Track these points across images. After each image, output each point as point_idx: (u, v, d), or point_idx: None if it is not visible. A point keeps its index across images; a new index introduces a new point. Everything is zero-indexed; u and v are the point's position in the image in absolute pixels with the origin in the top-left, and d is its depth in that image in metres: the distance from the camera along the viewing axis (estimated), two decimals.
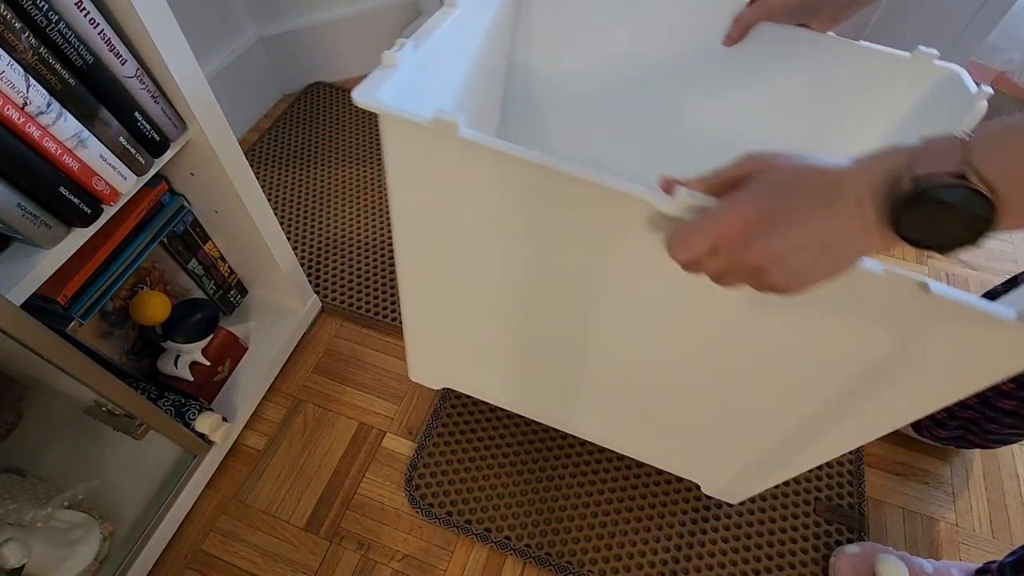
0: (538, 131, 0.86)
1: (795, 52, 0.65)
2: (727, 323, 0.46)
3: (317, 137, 1.19)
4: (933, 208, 0.27)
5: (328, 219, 1.06)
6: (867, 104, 0.66)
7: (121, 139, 0.50)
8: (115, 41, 0.46)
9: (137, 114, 0.51)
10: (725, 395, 0.55)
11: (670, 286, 0.45)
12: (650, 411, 0.63)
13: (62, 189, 0.46)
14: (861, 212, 0.30)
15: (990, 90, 0.54)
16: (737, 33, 0.63)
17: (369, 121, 1.22)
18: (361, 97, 0.39)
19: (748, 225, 0.32)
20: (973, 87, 0.55)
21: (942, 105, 0.60)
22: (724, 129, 0.75)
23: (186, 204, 0.69)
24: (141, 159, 0.53)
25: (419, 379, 0.80)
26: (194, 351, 0.74)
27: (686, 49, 0.70)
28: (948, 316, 0.37)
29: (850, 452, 0.80)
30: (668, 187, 0.37)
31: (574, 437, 0.81)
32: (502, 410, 0.83)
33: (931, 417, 0.76)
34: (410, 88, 0.46)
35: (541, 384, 0.68)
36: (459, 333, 0.65)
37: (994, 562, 0.63)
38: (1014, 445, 0.82)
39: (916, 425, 0.79)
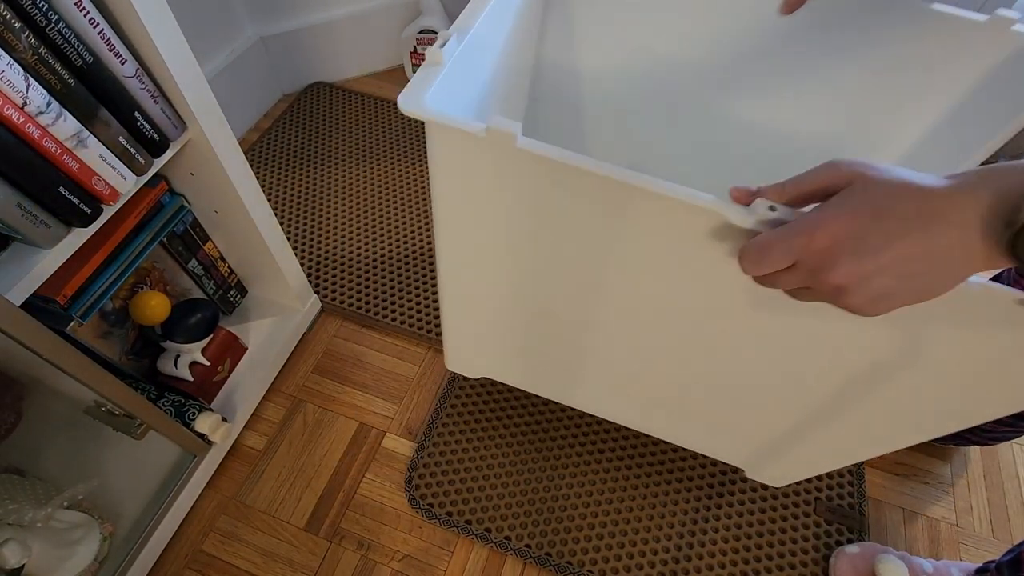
0: (571, 132, 0.83)
1: (844, 27, 0.58)
2: (776, 330, 0.45)
3: (317, 137, 1.19)
4: None
5: (328, 219, 1.06)
6: (928, 79, 0.59)
7: (121, 139, 0.50)
8: (115, 41, 0.46)
9: (137, 114, 0.51)
10: (775, 392, 0.54)
11: (735, 296, 0.44)
12: (687, 402, 0.62)
13: (62, 189, 0.46)
14: (965, 236, 0.28)
15: None
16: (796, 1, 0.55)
17: (368, 121, 1.22)
18: (408, 104, 0.37)
19: (837, 243, 0.30)
20: None
21: (1018, 80, 0.54)
22: (767, 123, 0.71)
23: (186, 204, 0.69)
24: (141, 159, 0.53)
25: (456, 368, 0.78)
26: (194, 351, 0.74)
27: (725, 45, 0.66)
28: None
29: None
30: (742, 197, 0.35)
31: (574, 437, 0.81)
32: (502, 409, 0.83)
33: None
34: (455, 84, 0.44)
35: (580, 375, 0.67)
36: (499, 328, 0.63)
37: (992, 561, 0.63)
38: (1015, 446, 0.82)
39: None
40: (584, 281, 0.49)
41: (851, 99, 0.65)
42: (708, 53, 0.67)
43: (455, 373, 0.86)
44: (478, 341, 0.70)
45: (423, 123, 0.40)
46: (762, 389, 0.55)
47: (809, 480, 0.78)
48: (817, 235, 0.30)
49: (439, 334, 0.90)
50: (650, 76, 0.71)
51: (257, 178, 0.74)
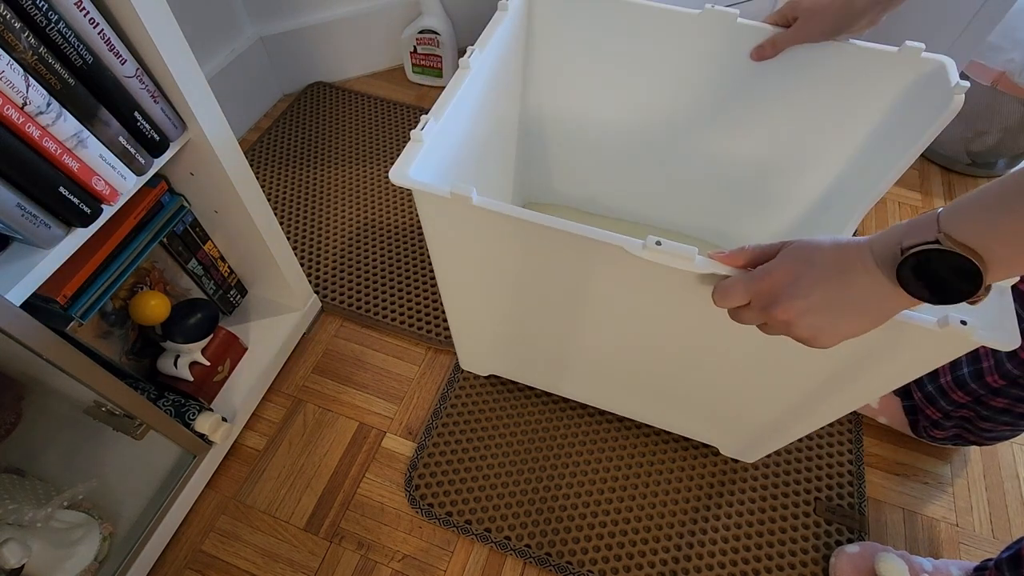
0: (557, 166, 0.95)
1: (789, 66, 0.68)
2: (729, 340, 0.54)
3: (317, 137, 1.19)
4: (926, 270, 0.33)
5: (328, 219, 1.06)
6: (855, 103, 0.69)
7: (121, 139, 0.50)
8: (115, 41, 0.46)
9: (137, 114, 0.51)
10: (743, 380, 0.61)
11: (682, 312, 0.53)
12: (661, 390, 0.70)
13: (62, 189, 0.46)
14: (876, 280, 0.35)
15: (967, 84, 0.56)
16: (769, 52, 0.66)
17: (368, 121, 1.22)
18: (396, 177, 0.48)
19: (778, 286, 0.39)
20: (954, 79, 0.57)
21: (925, 99, 0.62)
22: (720, 153, 0.83)
23: (186, 204, 0.69)
24: (141, 159, 0.53)
25: (468, 367, 0.86)
26: (194, 351, 0.74)
27: (692, 90, 0.75)
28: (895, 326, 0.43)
29: (850, 452, 0.80)
30: (715, 256, 0.44)
31: (574, 437, 0.81)
32: (502, 409, 0.83)
33: (927, 418, 0.76)
34: (435, 154, 0.54)
35: (568, 371, 0.74)
36: (496, 336, 0.73)
37: (991, 559, 0.63)
38: (1015, 445, 0.82)
39: (914, 426, 0.79)
40: (558, 301, 0.59)
41: (796, 118, 0.74)
42: (676, 97, 0.78)
43: (455, 374, 0.87)
44: (482, 346, 0.78)
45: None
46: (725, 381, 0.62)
47: (809, 480, 0.78)
48: (765, 280, 0.39)
49: (439, 334, 0.90)
50: (613, 113, 0.83)
51: (257, 178, 0.74)
